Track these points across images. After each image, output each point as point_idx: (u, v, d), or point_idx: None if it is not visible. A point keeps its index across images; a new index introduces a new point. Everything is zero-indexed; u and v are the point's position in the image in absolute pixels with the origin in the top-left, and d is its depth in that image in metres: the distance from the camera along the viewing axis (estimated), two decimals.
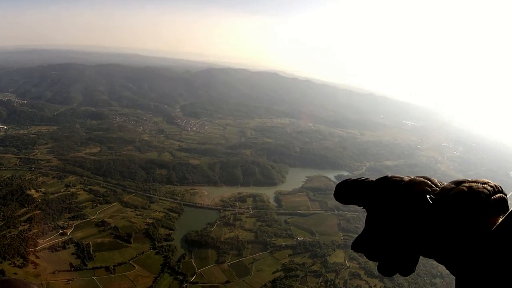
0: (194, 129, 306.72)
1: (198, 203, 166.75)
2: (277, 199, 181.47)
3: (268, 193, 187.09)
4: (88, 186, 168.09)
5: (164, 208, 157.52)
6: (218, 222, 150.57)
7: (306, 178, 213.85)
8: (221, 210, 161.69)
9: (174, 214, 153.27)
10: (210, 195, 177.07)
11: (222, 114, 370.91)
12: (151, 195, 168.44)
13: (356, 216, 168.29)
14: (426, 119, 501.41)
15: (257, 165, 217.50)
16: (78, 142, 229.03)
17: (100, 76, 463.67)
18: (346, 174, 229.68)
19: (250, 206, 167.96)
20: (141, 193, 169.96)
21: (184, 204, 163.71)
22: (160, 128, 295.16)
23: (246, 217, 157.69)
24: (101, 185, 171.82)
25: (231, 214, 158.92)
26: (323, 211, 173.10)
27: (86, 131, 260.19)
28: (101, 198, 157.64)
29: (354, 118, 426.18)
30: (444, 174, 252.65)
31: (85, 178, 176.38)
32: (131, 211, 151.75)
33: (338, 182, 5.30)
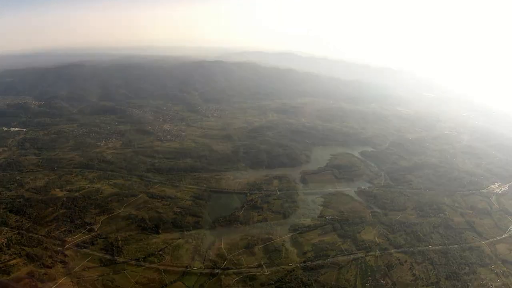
0: (215, 114, 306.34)
1: (225, 189, 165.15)
2: (303, 179, 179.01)
3: (294, 173, 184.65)
4: (113, 180, 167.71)
5: (191, 196, 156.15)
6: (246, 206, 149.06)
7: (331, 156, 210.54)
8: (248, 194, 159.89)
9: (201, 201, 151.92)
10: (236, 179, 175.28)
11: (241, 98, 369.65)
12: (177, 184, 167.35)
13: (382, 192, 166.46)
14: (442, 91, 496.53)
15: (281, 146, 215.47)
16: (99, 137, 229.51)
17: (116, 72, 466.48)
18: (370, 150, 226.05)
19: (276, 188, 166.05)
20: (167, 183, 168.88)
21: (210, 191, 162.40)
22: (181, 117, 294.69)
23: (274, 199, 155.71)
24: (126, 178, 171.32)
25: (258, 197, 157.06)
26: (349, 189, 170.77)
27: (106, 126, 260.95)
28: (126, 191, 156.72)
29: (374, 93, 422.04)
30: (467, 146, 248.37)
31: (108, 172, 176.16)
32: (158, 201, 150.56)
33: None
